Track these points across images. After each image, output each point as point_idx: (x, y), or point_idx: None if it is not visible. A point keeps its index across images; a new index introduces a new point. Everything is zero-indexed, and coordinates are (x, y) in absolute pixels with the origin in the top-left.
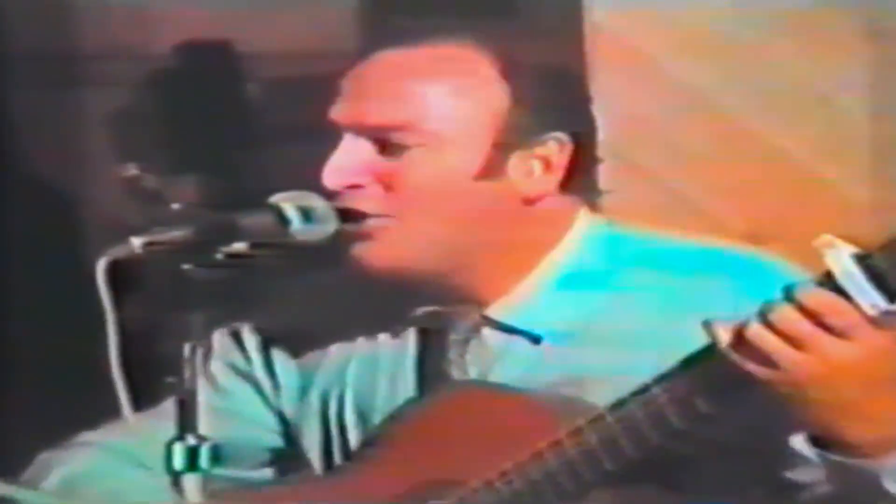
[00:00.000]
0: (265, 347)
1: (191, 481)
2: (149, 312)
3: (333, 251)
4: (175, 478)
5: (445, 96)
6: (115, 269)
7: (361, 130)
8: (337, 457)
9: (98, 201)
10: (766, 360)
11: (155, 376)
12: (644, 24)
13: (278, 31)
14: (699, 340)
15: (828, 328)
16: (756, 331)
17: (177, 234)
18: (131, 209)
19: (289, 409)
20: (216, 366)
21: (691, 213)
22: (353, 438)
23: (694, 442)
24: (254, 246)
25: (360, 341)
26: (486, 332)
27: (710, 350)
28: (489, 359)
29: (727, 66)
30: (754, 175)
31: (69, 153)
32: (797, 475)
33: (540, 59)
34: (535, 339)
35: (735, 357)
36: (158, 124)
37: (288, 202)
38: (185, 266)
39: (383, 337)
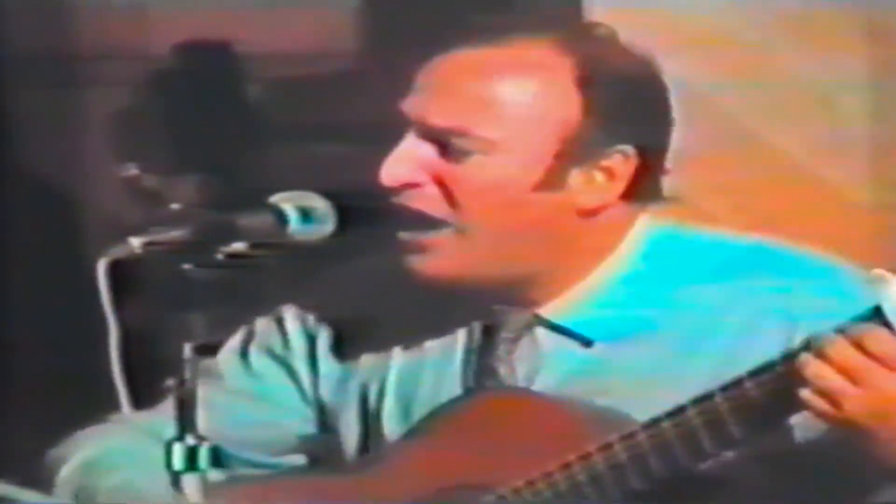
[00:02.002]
0: (309, 334)
1: (191, 481)
2: (149, 312)
3: (358, 245)
4: (174, 477)
5: (515, 101)
6: (115, 270)
7: (424, 129)
8: (373, 448)
9: (98, 201)
10: (823, 394)
11: (155, 376)
12: (644, 23)
13: (278, 31)
14: (751, 347)
15: (882, 362)
16: (813, 365)
17: (176, 234)
18: (131, 209)
19: (327, 397)
20: (254, 350)
21: (691, 213)
22: (391, 430)
23: (722, 466)
24: (253, 246)
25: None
26: (538, 331)
27: (754, 375)
28: (538, 359)
29: (727, 66)
30: (754, 175)
31: (69, 153)
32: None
33: (623, 70)
34: (587, 342)
35: (800, 390)
36: (158, 124)
37: (287, 202)
38: (185, 266)
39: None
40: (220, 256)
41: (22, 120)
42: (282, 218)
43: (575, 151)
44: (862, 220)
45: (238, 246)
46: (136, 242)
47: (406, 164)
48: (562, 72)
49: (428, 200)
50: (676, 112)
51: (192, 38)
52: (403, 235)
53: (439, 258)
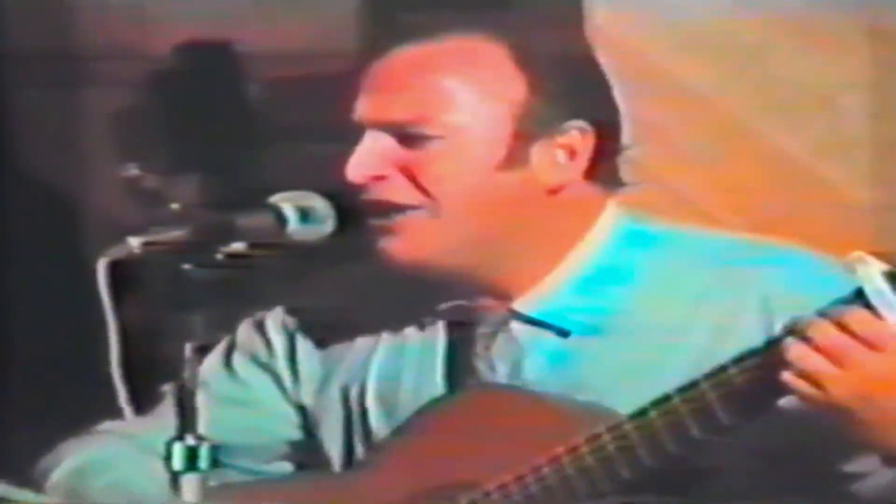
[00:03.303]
0: (290, 337)
1: (190, 481)
2: (149, 312)
3: (356, 245)
4: (174, 477)
5: (463, 88)
6: (115, 270)
7: (383, 126)
8: (358, 449)
9: (98, 201)
10: (806, 376)
11: (155, 376)
12: (644, 23)
13: (278, 31)
14: (727, 335)
15: (864, 343)
16: (796, 348)
17: (176, 234)
18: (131, 209)
19: (308, 401)
20: (238, 357)
21: (691, 213)
22: (376, 428)
23: (712, 453)
24: (253, 246)
25: (386, 333)
26: (514, 325)
27: (738, 362)
28: (516, 353)
29: (727, 66)
30: (754, 175)
31: (69, 153)
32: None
33: (555, 48)
34: (564, 333)
35: (783, 374)
36: (158, 124)
37: (287, 202)
38: (185, 266)
39: (410, 329)
40: (220, 256)
41: (22, 120)
42: (281, 218)
43: (530, 128)
44: (862, 220)
45: (238, 246)
46: (135, 242)
47: (369, 158)
48: (500, 56)
49: (395, 190)
50: (674, 111)
51: (192, 38)
52: (374, 221)
53: (411, 240)
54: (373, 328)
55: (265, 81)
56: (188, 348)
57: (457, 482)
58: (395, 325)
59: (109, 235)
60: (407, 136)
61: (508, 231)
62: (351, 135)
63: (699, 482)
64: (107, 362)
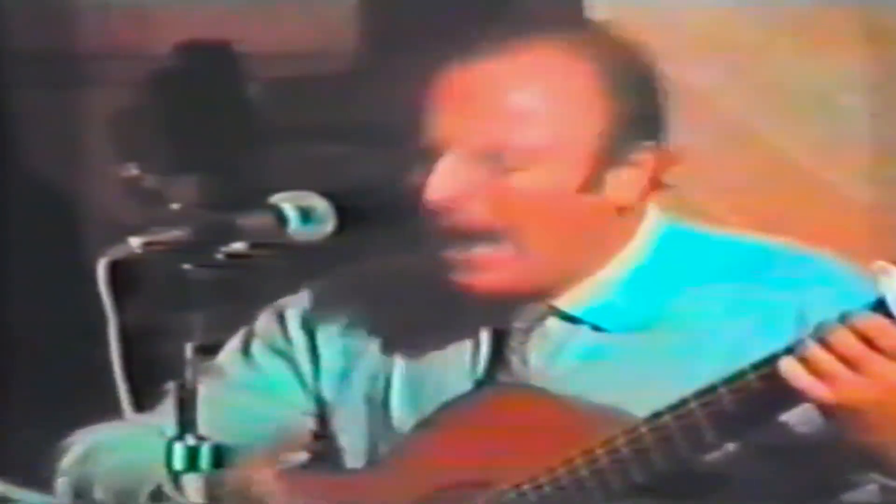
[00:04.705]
0: (311, 328)
1: (191, 481)
2: (149, 312)
3: (356, 245)
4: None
5: (546, 109)
6: (115, 270)
7: (463, 147)
8: (378, 444)
9: (98, 201)
10: (822, 379)
11: (155, 376)
12: (644, 24)
13: (278, 31)
14: (759, 344)
15: (882, 352)
16: (813, 352)
17: (176, 234)
18: (131, 209)
19: (328, 393)
20: (256, 345)
21: (691, 213)
22: (400, 422)
23: (725, 457)
24: (253, 246)
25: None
26: (550, 321)
27: (756, 367)
28: (551, 348)
29: (727, 66)
30: (754, 175)
31: (69, 153)
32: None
33: (633, 69)
34: (600, 331)
35: (793, 377)
36: (158, 124)
37: (287, 202)
38: (185, 266)
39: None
40: (220, 256)
41: (22, 120)
42: (282, 218)
43: (609, 151)
44: (862, 219)
45: (238, 246)
46: (136, 242)
47: (452, 181)
48: (583, 75)
49: (476, 217)
50: (674, 111)
51: (192, 38)
52: (452, 251)
53: (494, 275)
54: (416, 342)
55: (265, 81)
56: (188, 348)
57: (473, 481)
58: (435, 332)
59: (109, 235)
60: (491, 162)
61: (583, 252)
62: (430, 155)
63: (713, 487)
64: (107, 362)
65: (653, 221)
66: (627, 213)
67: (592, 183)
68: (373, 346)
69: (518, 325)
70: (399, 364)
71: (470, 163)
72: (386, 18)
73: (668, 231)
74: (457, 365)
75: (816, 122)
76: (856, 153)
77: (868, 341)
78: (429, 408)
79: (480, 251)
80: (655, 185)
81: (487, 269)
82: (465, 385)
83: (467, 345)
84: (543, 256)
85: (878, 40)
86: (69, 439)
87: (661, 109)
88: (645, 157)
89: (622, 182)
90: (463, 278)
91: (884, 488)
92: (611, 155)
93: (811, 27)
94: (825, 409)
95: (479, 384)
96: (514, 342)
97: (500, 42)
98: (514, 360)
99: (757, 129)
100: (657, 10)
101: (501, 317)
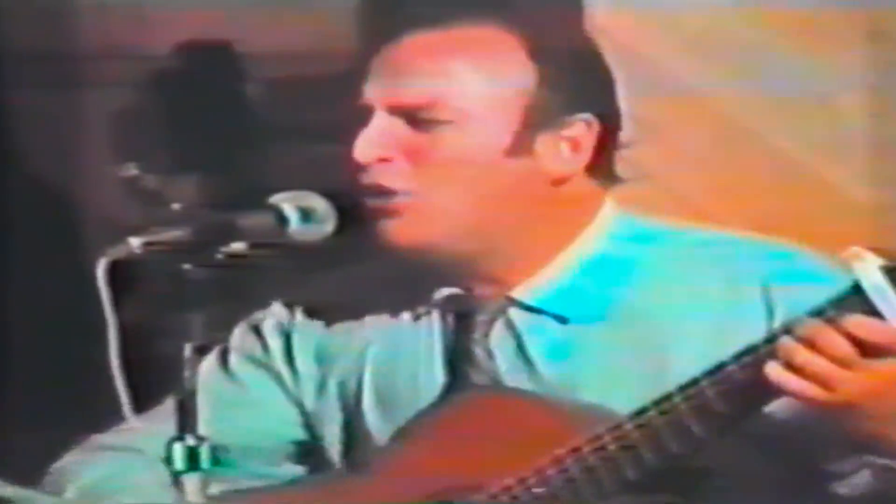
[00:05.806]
0: (286, 336)
1: (191, 481)
2: (149, 312)
3: (356, 245)
4: (175, 478)
5: (474, 75)
6: (114, 270)
7: (393, 108)
8: (357, 446)
9: (98, 201)
10: (812, 380)
11: (155, 376)
12: (644, 24)
13: (278, 31)
14: (728, 327)
15: (871, 349)
16: (799, 353)
17: (176, 234)
18: (131, 209)
19: (309, 400)
20: (234, 359)
21: (691, 213)
22: (374, 426)
23: (715, 452)
24: (253, 246)
25: (380, 326)
26: (512, 313)
27: (737, 358)
28: (514, 341)
29: (727, 66)
30: (754, 175)
31: (69, 153)
32: (843, 487)
33: (565, 41)
34: (562, 320)
35: (783, 382)
36: (158, 124)
37: (287, 202)
38: (185, 266)
39: (405, 320)
40: (220, 256)
41: (22, 120)
42: (282, 218)
43: (538, 118)
44: (862, 220)
45: (238, 246)
46: (135, 242)
47: (378, 139)
48: (512, 45)
49: (399, 175)
50: (674, 111)
51: (192, 38)
52: (370, 202)
53: (411, 223)
54: (368, 316)
55: (265, 81)
56: (188, 348)
57: (459, 485)
58: (391, 314)
59: (109, 235)
60: (415, 120)
61: (510, 219)
62: (359, 117)
63: (707, 481)
64: (107, 362)
65: (608, 214)
66: (563, 187)
67: (520, 147)
68: (344, 350)
69: (480, 318)
70: (369, 362)
71: (396, 121)
72: (386, 18)
73: (623, 224)
74: (426, 360)
75: (816, 123)
76: (856, 153)
77: (854, 340)
78: (402, 405)
79: (393, 200)
80: (600, 165)
81: (403, 215)
82: (435, 381)
83: (435, 339)
84: (463, 211)
85: (878, 40)
86: (66, 465)
87: (602, 86)
88: (579, 129)
89: (553, 151)
90: (384, 228)
91: (882, 469)
92: (538, 119)
93: (811, 27)
94: (818, 406)
95: (449, 382)
96: (477, 335)
97: (429, 21)
98: (479, 353)
99: (757, 128)
100: (657, 10)
101: (461, 307)
